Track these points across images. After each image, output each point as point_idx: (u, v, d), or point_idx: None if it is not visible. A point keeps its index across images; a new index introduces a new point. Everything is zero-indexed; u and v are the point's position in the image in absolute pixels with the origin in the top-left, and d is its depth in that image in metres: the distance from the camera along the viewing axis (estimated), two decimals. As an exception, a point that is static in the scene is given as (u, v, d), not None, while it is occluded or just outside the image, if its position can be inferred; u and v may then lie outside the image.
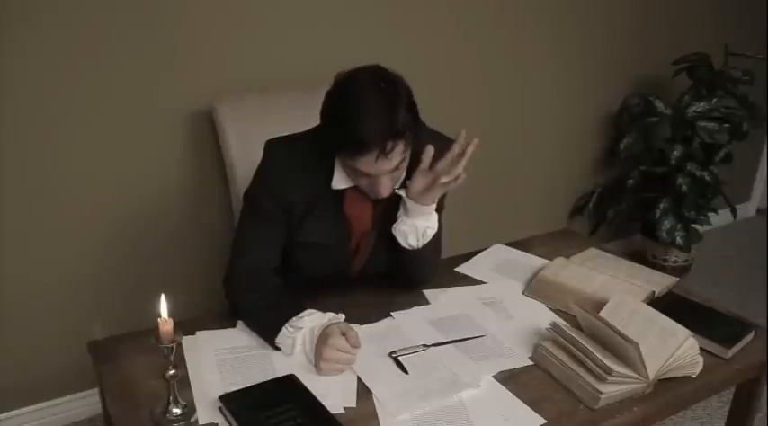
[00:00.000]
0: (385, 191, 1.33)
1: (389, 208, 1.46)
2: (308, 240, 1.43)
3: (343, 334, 1.29)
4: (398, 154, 1.28)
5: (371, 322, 1.42)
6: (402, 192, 1.40)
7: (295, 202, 1.39)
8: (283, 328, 1.30)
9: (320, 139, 1.34)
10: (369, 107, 1.24)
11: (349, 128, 1.24)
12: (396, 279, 1.56)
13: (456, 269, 1.67)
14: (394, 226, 1.44)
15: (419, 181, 1.38)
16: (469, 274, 1.66)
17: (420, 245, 1.45)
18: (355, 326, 1.34)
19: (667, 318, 1.35)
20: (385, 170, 1.29)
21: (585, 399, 1.22)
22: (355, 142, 1.24)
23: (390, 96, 1.26)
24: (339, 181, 1.39)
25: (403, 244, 1.45)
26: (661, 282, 1.60)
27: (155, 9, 1.85)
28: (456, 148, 1.35)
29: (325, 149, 1.36)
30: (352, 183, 1.38)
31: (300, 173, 1.39)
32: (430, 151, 1.36)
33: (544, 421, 1.18)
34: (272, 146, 1.43)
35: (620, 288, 1.52)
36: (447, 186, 1.37)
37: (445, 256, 1.62)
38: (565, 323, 1.36)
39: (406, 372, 1.28)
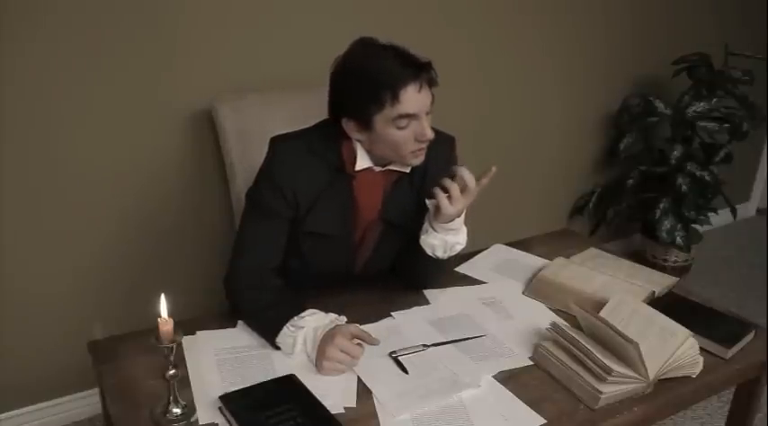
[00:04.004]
0: (429, 132, 1.34)
1: (397, 198, 1.46)
2: (315, 229, 1.43)
3: (357, 337, 1.30)
4: (429, 92, 1.33)
5: (371, 322, 1.42)
6: (430, 204, 1.40)
7: (302, 195, 1.39)
8: (284, 327, 1.31)
9: (346, 116, 1.35)
10: (387, 54, 1.31)
11: (383, 75, 1.28)
12: (401, 277, 1.57)
13: (456, 269, 1.66)
14: (422, 237, 1.44)
15: (445, 207, 1.36)
16: (469, 274, 1.66)
17: (446, 257, 1.46)
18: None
19: (667, 318, 1.35)
20: (426, 104, 1.33)
21: (585, 399, 1.22)
22: (396, 81, 1.28)
23: (396, 45, 1.33)
24: (362, 161, 1.40)
25: (429, 253, 1.45)
26: (661, 282, 1.60)
27: (155, 9, 1.85)
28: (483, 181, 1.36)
29: (334, 138, 1.38)
30: (372, 165, 1.40)
31: (307, 165, 1.39)
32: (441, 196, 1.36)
33: (544, 421, 1.18)
34: (276, 141, 1.43)
35: (620, 288, 1.52)
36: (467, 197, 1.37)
37: (446, 256, 1.62)
38: (565, 323, 1.36)
39: (406, 372, 1.28)
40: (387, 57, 1.31)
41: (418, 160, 1.39)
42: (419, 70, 1.30)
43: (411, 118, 1.31)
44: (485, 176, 1.37)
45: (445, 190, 1.35)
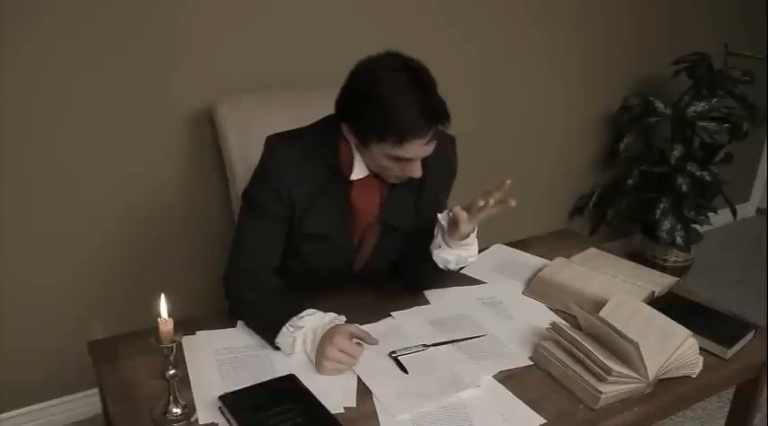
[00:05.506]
0: (419, 172, 1.34)
1: (396, 201, 1.46)
2: (312, 231, 1.43)
3: (357, 337, 1.30)
4: (434, 142, 1.31)
5: (371, 322, 1.42)
6: (443, 220, 1.39)
7: (298, 195, 1.39)
8: (284, 327, 1.30)
9: (348, 130, 1.34)
10: (410, 95, 1.25)
11: (397, 119, 1.24)
12: (403, 278, 1.56)
13: (456, 269, 1.67)
14: (435, 252, 1.42)
15: (464, 225, 1.34)
16: (469, 274, 1.66)
17: (457, 268, 1.47)
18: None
19: (667, 318, 1.35)
20: (426, 152, 1.31)
21: (585, 399, 1.22)
22: (405, 132, 1.25)
23: (424, 78, 1.28)
24: (358, 171, 1.39)
25: (441, 266, 1.44)
26: (661, 282, 1.60)
27: (155, 9, 1.85)
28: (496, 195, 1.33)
29: (331, 141, 1.37)
30: (370, 172, 1.39)
31: (302, 165, 1.39)
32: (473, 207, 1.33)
33: (544, 421, 1.18)
34: (272, 140, 1.43)
35: (620, 288, 1.52)
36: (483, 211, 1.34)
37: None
38: (565, 323, 1.36)
39: (406, 372, 1.28)
40: (408, 99, 1.25)
41: (397, 180, 1.39)
42: (434, 123, 1.27)
43: (407, 160, 1.32)
44: (498, 190, 1.33)
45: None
